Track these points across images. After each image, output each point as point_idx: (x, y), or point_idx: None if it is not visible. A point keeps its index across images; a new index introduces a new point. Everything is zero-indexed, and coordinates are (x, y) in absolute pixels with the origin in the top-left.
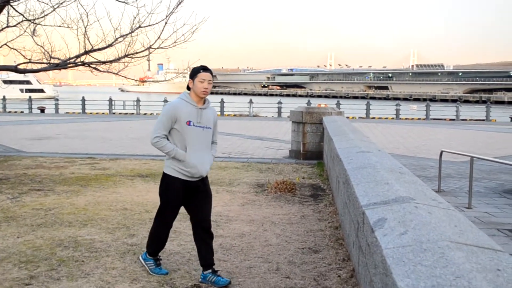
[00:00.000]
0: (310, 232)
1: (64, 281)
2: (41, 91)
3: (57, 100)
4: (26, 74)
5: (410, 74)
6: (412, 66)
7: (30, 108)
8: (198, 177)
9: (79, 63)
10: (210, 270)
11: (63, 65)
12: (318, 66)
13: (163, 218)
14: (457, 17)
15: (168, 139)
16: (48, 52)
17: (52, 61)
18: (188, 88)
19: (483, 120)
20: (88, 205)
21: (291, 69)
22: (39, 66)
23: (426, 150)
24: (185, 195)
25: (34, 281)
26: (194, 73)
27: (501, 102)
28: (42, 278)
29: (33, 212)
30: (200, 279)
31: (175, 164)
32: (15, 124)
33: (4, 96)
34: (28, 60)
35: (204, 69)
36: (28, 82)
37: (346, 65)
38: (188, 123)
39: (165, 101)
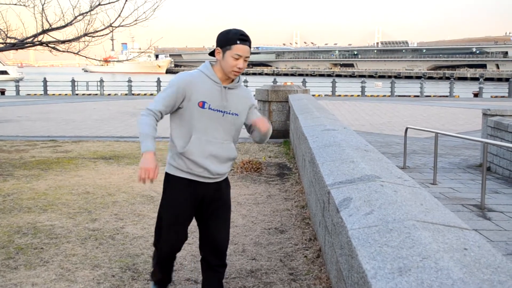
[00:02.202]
0: (276, 212)
1: (21, 269)
2: (5, 73)
3: (17, 82)
4: None
5: (375, 51)
6: (377, 43)
7: None
8: (209, 178)
9: (37, 43)
10: None
11: (20, 45)
12: (284, 44)
13: (163, 237)
14: None
15: (158, 120)
16: (4, 32)
17: (9, 41)
18: (212, 54)
19: (447, 96)
20: (49, 189)
21: (257, 48)
22: None
23: (391, 127)
24: (195, 203)
25: None
26: (228, 42)
27: (464, 78)
28: None
29: None
30: None
31: (176, 158)
32: None
33: None
34: None
35: (243, 39)
36: None
37: (312, 43)
38: (201, 104)
39: (129, 81)
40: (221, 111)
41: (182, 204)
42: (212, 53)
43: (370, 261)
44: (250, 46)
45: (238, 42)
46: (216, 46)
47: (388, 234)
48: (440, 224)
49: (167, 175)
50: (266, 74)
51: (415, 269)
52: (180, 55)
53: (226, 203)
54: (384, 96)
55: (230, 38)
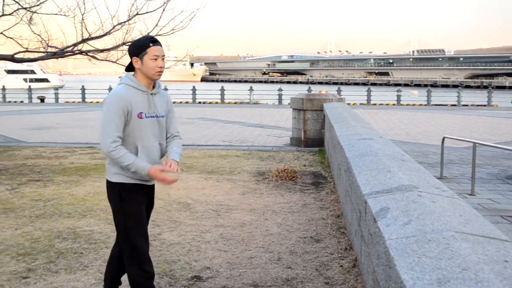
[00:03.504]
0: (311, 221)
1: (62, 273)
2: (46, 80)
3: (57, 89)
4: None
5: (411, 59)
6: (413, 51)
7: (30, 98)
8: (152, 180)
9: (77, 52)
10: None
11: (61, 53)
12: (319, 53)
13: (137, 242)
14: (459, 1)
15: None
16: (45, 41)
17: (50, 49)
18: (130, 68)
19: (485, 105)
20: (87, 195)
21: (292, 56)
22: (36, 55)
23: (428, 136)
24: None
25: (32, 274)
26: (141, 48)
27: (503, 87)
28: (40, 271)
29: (32, 203)
30: None
31: (125, 168)
32: (15, 114)
33: (3, 86)
34: (25, 49)
35: (154, 41)
36: (32, 72)
37: (347, 51)
38: (140, 115)
39: (165, 89)
40: (154, 116)
41: (141, 205)
42: (128, 67)
43: (408, 272)
44: (162, 46)
45: (151, 44)
46: (132, 57)
47: (426, 245)
48: (480, 235)
49: (120, 184)
50: (301, 82)
51: (455, 280)
52: (215, 63)
53: (154, 203)
54: (420, 105)
55: (142, 45)
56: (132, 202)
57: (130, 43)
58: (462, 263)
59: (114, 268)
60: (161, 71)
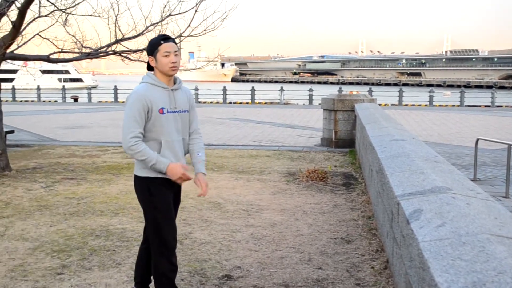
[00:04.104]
0: (342, 221)
1: (95, 270)
2: (80, 80)
3: (90, 89)
4: (64, 64)
5: (444, 60)
6: (446, 51)
7: (64, 98)
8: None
9: (110, 52)
10: None
11: (95, 54)
12: (350, 53)
13: (167, 235)
14: (492, 0)
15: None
16: (79, 42)
17: (84, 50)
18: (150, 68)
19: None
20: (120, 194)
21: (322, 56)
22: (71, 56)
23: (461, 138)
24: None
25: (66, 270)
26: (153, 46)
27: None
28: (74, 268)
29: (65, 201)
30: None
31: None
32: (49, 114)
33: (38, 86)
34: (60, 50)
35: (165, 38)
36: (66, 72)
37: (378, 52)
38: (161, 111)
39: (196, 89)
40: (176, 111)
41: (170, 200)
42: (149, 67)
43: (443, 274)
44: (175, 43)
45: (162, 42)
46: (148, 56)
47: (461, 248)
48: None
49: (148, 178)
50: (331, 83)
51: (490, 283)
52: (245, 63)
53: (180, 199)
54: (453, 106)
55: (154, 43)
56: (160, 196)
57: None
58: (497, 267)
59: (144, 266)
60: (175, 67)
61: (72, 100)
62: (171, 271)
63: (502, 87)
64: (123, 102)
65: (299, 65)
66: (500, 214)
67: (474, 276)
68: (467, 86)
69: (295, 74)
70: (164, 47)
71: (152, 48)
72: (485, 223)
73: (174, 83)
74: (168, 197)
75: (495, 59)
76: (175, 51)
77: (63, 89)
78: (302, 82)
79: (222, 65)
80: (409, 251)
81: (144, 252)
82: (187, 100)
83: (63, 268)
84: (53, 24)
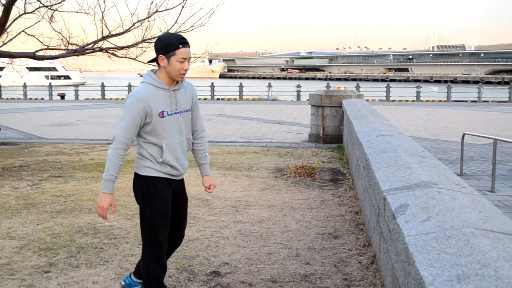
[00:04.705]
0: (330, 217)
1: (83, 268)
2: (68, 77)
3: (77, 86)
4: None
5: (431, 55)
6: (433, 47)
7: (51, 95)
8: (180, 175)
9: (97, 49)
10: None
11: (81, 51)
12: (337, 49)
13: (159, 235)
14: None
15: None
16: (66, 38)
17: (70, 47)
18: (154, 62)
19: (506, 101)
20: None
21: (310, 52)
22: (57, 53)
23: (448, 133)
24: (172, 199)
25: (53, 269)
26: (169, 47)
27: None
28: (61, 266)
29: (53, 199)
30: (124, 283)
31: (155, 164)
32: (36, 111)
33: (24, 83)
34: (46, 47)
35: (184, 42)
36: (54, 69)
37: (366, 48)
38: (161, 114)
39: None
40: (178, 113)
41: (168, 201)
42: (153, 61)
43: (427, 268)
44: (190, 47)
45: (180, 46)
46: (159, 54)
47: (446, 241)
48: (500, 232)
49: (149, 178)
50: (319, 79)
51: (474, 276)
52: (233, 60)
53: (187, 196)
54: (440, 101)
55: (171, 44)
56: (160, 198)
57: (157, 38)
58: (482, 260)
59: None
60: (185, 74)
61: (59, 98)
62: (162, 271)
63: (488, 82)
64: (110, 99)
65: (287, 61)
66: (485, 208)
67: (459, 269)
68: (454, 81)
69: (283, 70)
70: (182, 52)
71: (168, 48)
72: (470, 217)
73: (176, 83)
74: (167, 199)
75: (482, 55)
76: (189, 58)
77: (50, 86)
78: (290, 78)
79: (210, 61)
80: (395, 245)
81: None
82: (190, 98)
83: (50, 266)
84: (39, 21)
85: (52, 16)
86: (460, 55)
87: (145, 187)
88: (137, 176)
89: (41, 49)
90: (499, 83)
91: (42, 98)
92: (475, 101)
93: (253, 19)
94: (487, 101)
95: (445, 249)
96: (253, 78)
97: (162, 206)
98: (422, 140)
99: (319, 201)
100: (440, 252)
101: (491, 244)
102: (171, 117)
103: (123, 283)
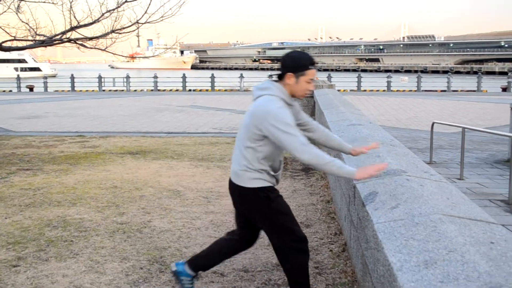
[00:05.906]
0: (301, 206)
1: (52, 261)
2: (38, 69)
3: (46, 78)
4: (20, 52)
5: (401, 46)
6: (403, 37)
7: (19, 87)
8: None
9: (65, 40)
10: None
11: (49, 42)
12: (309, 40)
13: (296, 236)
14: None
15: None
16: (33, 29)
17: (38, 38)
18: (279, 77)
19: (474, 91)
20: (78, 184)
21: (282, 43)
22: (24, 44)
23: (418, 122)
24: None
25: (22, 262)
26: (301, 66)
27: (492, 73)
28: (30, 259)
29: (21, 192)
30: (176, 269)
31: (267, 176)
32: (4, 104)
33: None
34: (13, 38)
35: (314, 63)
36: (23, 61)
37: (337, 38)
38: None
39: (155, 77)
40: None
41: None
42: (280, 76)
43: (396, 254)
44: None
45: (311, 67)
46: (287, 72)
47: (414, 228)
48: (467, 218)
49: (263, 188)
50: None
51: (441, 262)
52: (205, 51)
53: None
54: (410, 91)
55: (303, 64)
56: (280, 200)
57: (288, 55)
58: (448, 245)
59: (225, 254)
60: (307, 94)
61: (28, 90)
62: (309, 259)
63: (457, 72)
64: (80, 91)
65: (259, 52)
66: (452, 194)
67: (426, 255)
68: (424, 71)
69: (255, 61)
70: (311, 73)
71: (299, 67)
72: (437, 204)
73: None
74: (283, 198)
75: (451, 45)
76: (315, 78)
77: (18, 78)
78: (262, 69)
79: (182, 52)
80: (365, 233)
81: (232, 242)
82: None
83: (18, 260)
84: (5, 11)
85: (18, 6)
86: (430, 45)
87: (262, 197)
88: (246, 190)
89: (8, 40)
90: (467, 73)
91: (10, 91)
92: (444, 91)
93: (225, 10)
94: (456, 91)
95: (413, 236)
96: (225, 69)
97: (285, 205)
98: (393, 130)
99: (291, 190)
100: (408, 238)
101: (458, 229)
102: None
103: (174, 268)
